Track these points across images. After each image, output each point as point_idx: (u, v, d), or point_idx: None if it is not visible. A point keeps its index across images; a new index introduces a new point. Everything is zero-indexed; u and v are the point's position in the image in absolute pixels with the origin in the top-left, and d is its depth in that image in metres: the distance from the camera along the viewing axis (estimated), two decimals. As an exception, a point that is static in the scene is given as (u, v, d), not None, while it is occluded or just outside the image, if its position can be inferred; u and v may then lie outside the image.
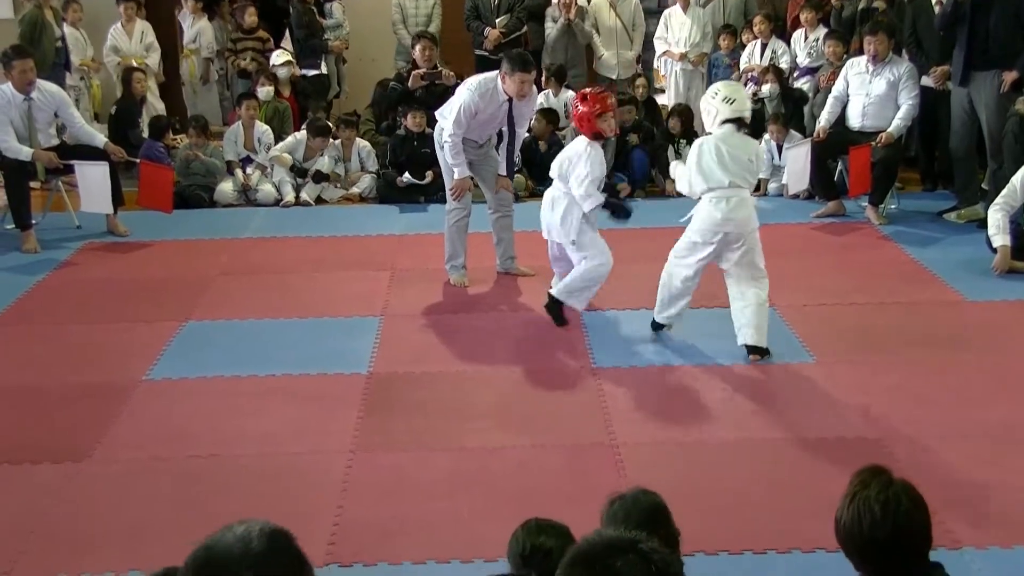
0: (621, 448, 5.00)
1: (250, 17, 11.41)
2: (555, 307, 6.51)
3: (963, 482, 4.64)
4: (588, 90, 6.56)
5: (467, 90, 6.99)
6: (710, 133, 6.02)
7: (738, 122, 5.90)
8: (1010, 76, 8.03)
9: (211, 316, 6.83)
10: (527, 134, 8.98)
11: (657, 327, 6.30)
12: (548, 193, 6.60)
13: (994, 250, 7.28)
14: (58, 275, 7.74)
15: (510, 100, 6.95)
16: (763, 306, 5.93)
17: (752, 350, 5.95)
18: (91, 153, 8.48)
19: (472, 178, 7.21)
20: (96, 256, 8.19)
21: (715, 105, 5.91)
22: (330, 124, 10.03)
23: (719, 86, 6.10)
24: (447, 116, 7.02)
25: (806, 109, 9.86)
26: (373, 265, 7.80)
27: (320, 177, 9.67)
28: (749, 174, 5.97)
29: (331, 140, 9.89)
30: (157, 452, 5.08)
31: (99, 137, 8.68)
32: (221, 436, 5.22)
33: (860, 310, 6.75)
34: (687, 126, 9.80)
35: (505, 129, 7.14)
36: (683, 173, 6.12)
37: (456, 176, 7.12)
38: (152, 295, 7.27)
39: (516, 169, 9.62)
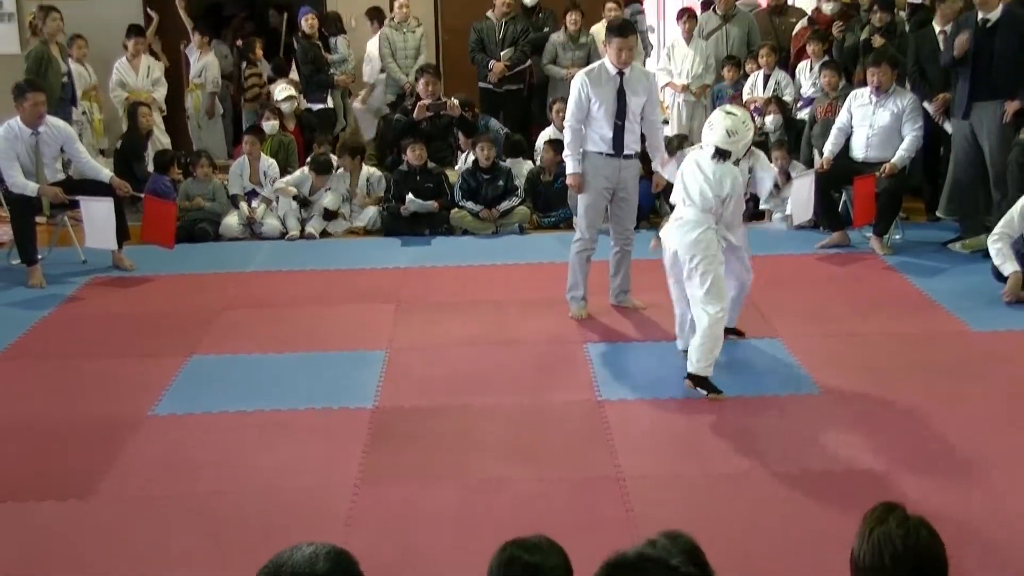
0: (627, 481, 4.98)
1: (254, 53, 11.50)
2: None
3: (973, 515, 4.61)
4: None
5: (576, 77, 7.08)
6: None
7: (725, 155, 5.92)
8: (1012, 106, 8.05)
9: (217, 350, 6.83)
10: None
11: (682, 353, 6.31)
12: None
13: (1000, 279, 7.27)
14: (64, 310, 7.75)
15: (620, 75, 6.92)
16: (707, 334, 5.86)
17: (689, 377, 5.96)
18: (96, 188, 8.51)
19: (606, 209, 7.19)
20: (102, 291, 8.20)
21: (719, 128, 5.92)
22: (332, 159, 10.05)
23: (734, 112, 6.03)
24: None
25: (803, 137, 9.87)
26: (378, 298, 7.81)
27: (329, 215, 9.69)
28: (708, 199, 5.91)
29: (335, 172, 9.92)
30: (163, 488, 5.07)
31: (104, 172, 8.71)
32: (227, 471, 5.21)
33: (866, 341, 6.74)
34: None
35: (629, 110, 6.92)
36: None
37: (568, 170, 7.12)
38: (157, 329, 7.27)
39: (522, 201, 9.70)
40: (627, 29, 6.96)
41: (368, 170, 10.05)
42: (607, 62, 6.97)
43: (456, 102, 10.24)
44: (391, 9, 11.66)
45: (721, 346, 5.96)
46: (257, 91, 11.49)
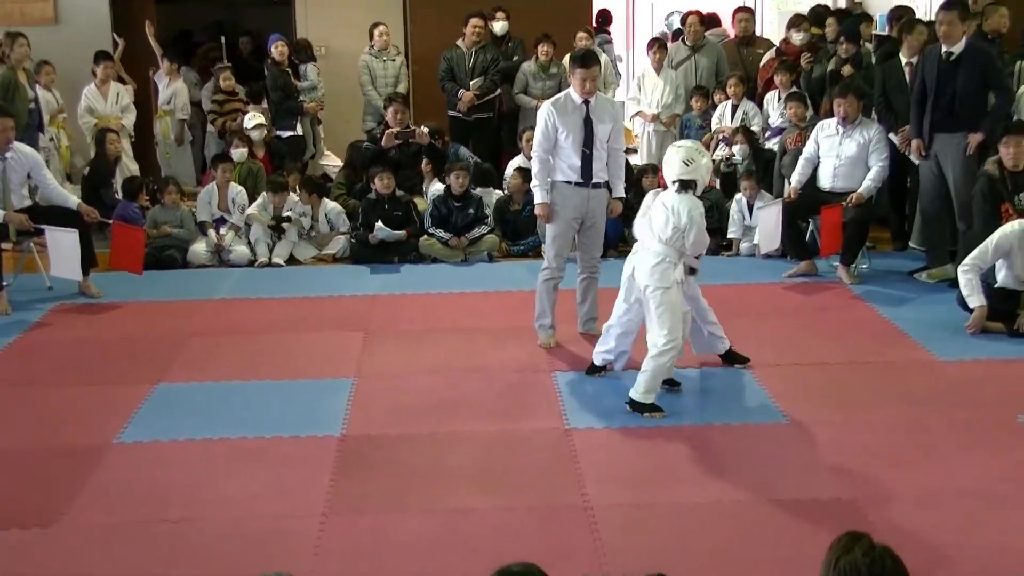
0: (595, 510, 4.97)
1: (225, 81, 11.48)
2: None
3: (938, 543, 4.63)
4: None
5: (542, 108, 7.12)
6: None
7: (688, 185, 5.99)
8: (975, 138, 8.14)
9: (183, 378, 6.79)
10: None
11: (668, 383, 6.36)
12: None
13: (966, 309, 7.34)
14: (29, 337, 7.68)
15: (586, 104, 6.96)
16: (654, 363, 5.96)
17: (630, 403, 6.04)
18: (64, 215, 8.46)
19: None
20: (68, 318, 8.14)
21: (675, 161, 6.01)
22: (285, 180, 10.04)
23: (684, 144, 6.16)
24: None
25: (774, 169, 9.94)
26: (347, 326, 7.79)
27: (281, 222, 9.68)
28: (668, 232, 5.97)
29: (290, 195, 9.89)
30: (128, 516, 5.02)
31: (72, 199, 8.67)
32: (193, 500, 5.17)
33: (832, 370, 6.78)
34: (660, 185, 9.87)
35: (596, 139, 6.96)
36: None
37: (536, 200, 7.15)
38: (124, 357, 7.22)
39: (491, 229, 9.72)
40: (590, 59, 7.01)
41: (328, 204, 10.01)
42: (572, 92, 7.01)
43: (425, 130, 10.27)
44: (371, 37, 11.68)
45: (662, 378, 6.08)
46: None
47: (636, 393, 6.02)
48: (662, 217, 6.00)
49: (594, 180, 7.03)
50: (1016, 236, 7.26)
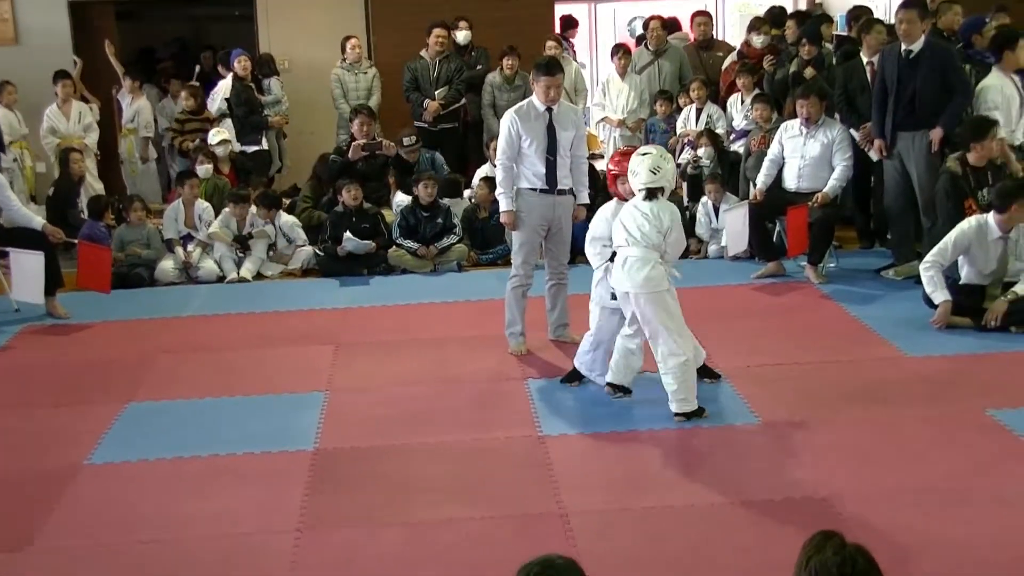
0: (571, 517, 4.97)
1: (186, 101, 11.43)
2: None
3: (910, 540, 4.65)
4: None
5: (505, 116, 7.12)
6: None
7: (654, 192, 6.00)
8: (936, 134, 8.20)
9: (153, 397, 6.75)
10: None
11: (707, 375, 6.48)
12: None
13: (932, 306, 7.39)
14: (-4, 360, 7.64)
15: (549, 111, 6.98)
16: (677, 370, 5.95)
17: (680, 414, 6.02)
18: (29, 236, 8.40)
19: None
20: (35, 339, 8.08)
21: (643, 169, 6.01)
22: (247, 192, 10.01)
23: (649, 151, 6.14)
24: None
25: (740, 171, 9.99)
26: (317, 339, 7.76)
27: (243, 239, 9.69)
28: (649, 235, 5.97)
29: (251, 209, 9.86)
30: (100, 539, 4.98)
31: (36, 219, 8.61)
32: (166, 520, 5.13)
33: (802, 369, 6.81)
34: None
35: (559, 145, 6.98)
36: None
37: (502, 207, 7.14)
38: (93, 377, 7.18)
39: (460, 239, 9.72)
40: (554, 67, 7.02)
41: (284, 217, 9.98)
42: (535, 99, 7.02)
43: (391, 143, 10.27)
44: (343, 51, 11.66)
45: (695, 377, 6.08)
46: (200, 138, 11.37)
47: (676, 405, 5.99)
48: (638, 221, 5.98)
49: (559, 187, 7.04)
50: (974, 232, 7.33)
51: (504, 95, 11.09)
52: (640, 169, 6.03)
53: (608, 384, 6.31)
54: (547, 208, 7.02)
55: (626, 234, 6.04)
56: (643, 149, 6.21)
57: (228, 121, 11.44)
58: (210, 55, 13.93)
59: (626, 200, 6.30)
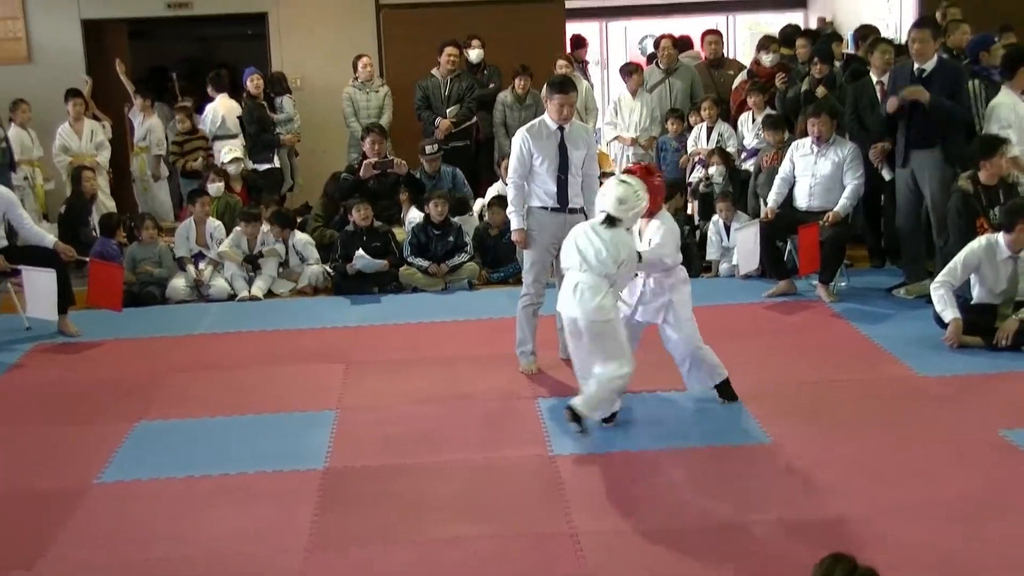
0: (581, 537, 4.96)
1: (182, 124, 11.45)
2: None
3: (924, 560, 4.63)
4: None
5: (517, 134, 7.12)
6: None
7: (613, 221, 5.94)
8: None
9: (164, 415, 6.75)
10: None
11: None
12: None
13: (943, 326, 7.37)
14: (8, 378, 7.64)
15: (561, 130, 6.98)
16: (602, 388, 5.95)
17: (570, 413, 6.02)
18: (41, 254, 8.43)
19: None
20: (46, 357, 8.10)
21: (611, 195, 5.96)
22: (259, 211, 10.03)
23: (628, 181, 6.04)
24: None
25: (749, 188, 9.98)
26: (328, 358, 7.76)
27: (253, 259, 9.70)
28: (605, 264, 5.92)
29: (262, 227, 9.88)
30: (110, 557, 4.98)
31: (48, 237, 8.63)
32: (176, 538, 5.13)
33: (814, 389, 6.79)
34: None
35: (571, 164, 6.98)
36: None
37: (513, 226, 7.15)
38: (103, 396, 7.18)
39: (471, 257, 9.72)
40: (568, 85, 7.03)
41: (297, 235, 10.00)
42: (547, 118, 7.03)
43: (402, 161, 10.29)
44: (355, 69, 11.69)
45: (612, 403, 6.05)
46: (202, 157, 11.40)
47: (580, 401, 6.01)
48: (595, 247, 5.93)
49: (570, 205, 7.04)
50: (983, 251, 7.32)
51: (515, 114, 11.11)
52: (609, 193, 5.97)
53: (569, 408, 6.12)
54: (558, 227, 7.00)
55: (580, 258, 5.98)
56: (624, 178, 6.13)
57: (237, 139, 11.47)
58: (224, 73, 13.99)
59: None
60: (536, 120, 7.20)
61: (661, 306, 6.39)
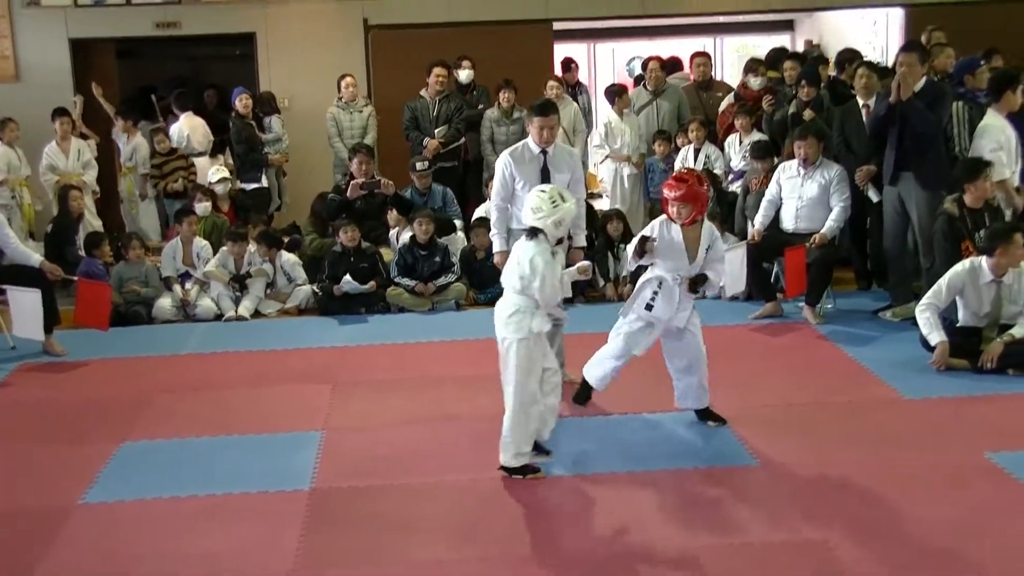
0: (568, 559, 4.95)
1: (160, 144, 11.45)
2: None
3: (909, 583, 4.64)
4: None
5: (500, 157, 7.10)
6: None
7: (535, 232, 5.80)
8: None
9: (149, 435, 6.73)
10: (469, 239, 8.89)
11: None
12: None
13: (929, 348, 7.39)
14: (-8, 397, 7.62)
15: (544, 153, 6.96)
16: (517, 419, 5.81)
17: (503, 469, 5.91)
18: (27, 273, 8.41)
19: None
20: (31, 377, 8.07)
21: (526, 206, 5.88)
22: (246, 231, 10.03)
23: (543, 189, 5.91)
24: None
25: (737, 209, 10.01)
26: (314, 378, 7.75)
27: (240, 280, 9.70)
28: (515, 281, 5.82)
29: (249, 247, 9.88)
30: (94, 578, 4.97)
31: (35, 256, 8.60)
32: (161, 560, 5.10)
33: (801, 411, 6.80)
34: (626, 230, 9.93)
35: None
36: None
37: (495, 248, 7.13)
38: (89, 415, 7.16)
39: (458, 277, 9.72)
40: (548, 108, 7.00)
41: (284, 255, 10.01)
42: (530, 141, 7.01)
43: (389, 182, 10.29)
44: (339, 89, 11.71)
45: (534, 427, 5.89)
46: (183, 178, 11.38)
47: (503, 456, 5.88)
48: (511, 265, 5.87)
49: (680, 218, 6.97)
50: (967, 274, 7.36)
51: (502, 128, 11.14)
52: (526, 203, 5.89)
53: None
54: None
55: (505, 277, 5.93)
56: (542, 187, 6.03)
57: (204, 158, 11.50)
58: (213, 93, 14.01)
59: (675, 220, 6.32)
60: (520, 143, 7.19)
61: (690, 312, 6.41)
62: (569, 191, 6.81)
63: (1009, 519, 5.23)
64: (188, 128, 11.78)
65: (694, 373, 6.48)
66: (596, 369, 6.68)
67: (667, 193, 6.33)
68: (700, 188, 6.29)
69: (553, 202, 5.78)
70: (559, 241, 5.96)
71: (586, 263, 6.25)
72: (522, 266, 5.75)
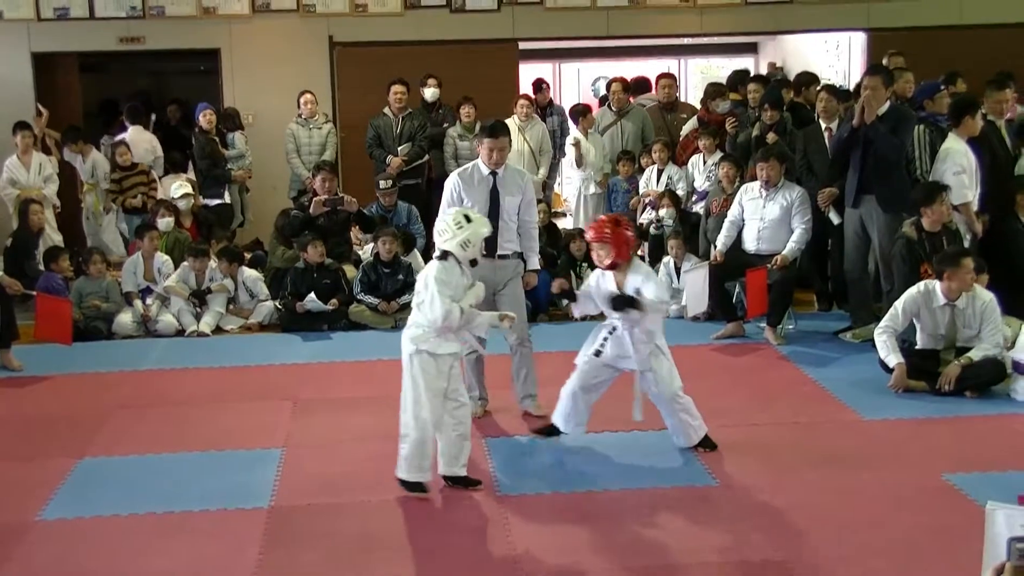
0: (527, 578, 4.96)
1: (122, 157, 11.38)
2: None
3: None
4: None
5: (450, 178, 7.06)
6: None
7: (444, 255, 5.85)
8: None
9: (108, 452, 6.68)
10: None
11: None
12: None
13: (888, 371, 7.45)
14: (-52, 412, 7.53)
15: (494, 175, 6.90)
16: (416, 441, 5.82)
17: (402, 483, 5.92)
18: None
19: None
20: (-12, 392, 7.99)
21: (445, 232, 5.88)
22: (207, 246, 10.00)
23: (450, 214, 5.99)
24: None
25: (700, 230, 10.06)
26: (275, 395, 7.72)
27: (200, 295, 9.67)
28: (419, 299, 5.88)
29: (210, 263, 9.84)
30: (49, 596, 4.92)
31: (-7, 271, 8.55)
32: (117, 577, 5.07)
33: (761, 431, 6.83)
34: (589, 249, 9.95)
35: (503, 210, 6.88)
36: None
37: None
38: (46, 431, 7.09)
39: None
40: (498, 130, 6.94)
41: (246, 271, 9.98)
42: (480, 163, 6.97)
43: (353, 199, 10.26)
44: (298, 105, 11.69)
45: (423, 454, 5.87)
46: (142, 193, 11.31)
47: (403, 470, 5.89)
48: (418, 284, 5.92)
49: (499, 252, 6.90)
50: (921, 297, 7.44)
51: (465, 143, 11.17)
52: (435, 228, 5.99)
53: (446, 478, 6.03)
54: (488, 272, 6.70)
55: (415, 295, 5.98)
56: (447, 211, 6.11)
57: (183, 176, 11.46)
58: (175, 108, 13.95)
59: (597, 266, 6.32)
60: (470, 164, 7.15)
61: (649, 352, 6.35)
62: (521, 212, 6.80)
63: (965, 540, 5.23)
64: (131, 141, 11.73)
65: (668, 416, 6.48)
66: (558, 406, 6.65)
67: (587, 236, 6.39)
68: (618, 231, 6.28)
69: (458, 224, 5.83)
70: (473, 262, 5.97)
71: (511, 314, 6.23)
72: (425, 286, 5.80)
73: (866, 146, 8.34)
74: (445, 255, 5.85)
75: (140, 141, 11.90)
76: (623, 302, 6.20)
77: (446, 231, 5.84)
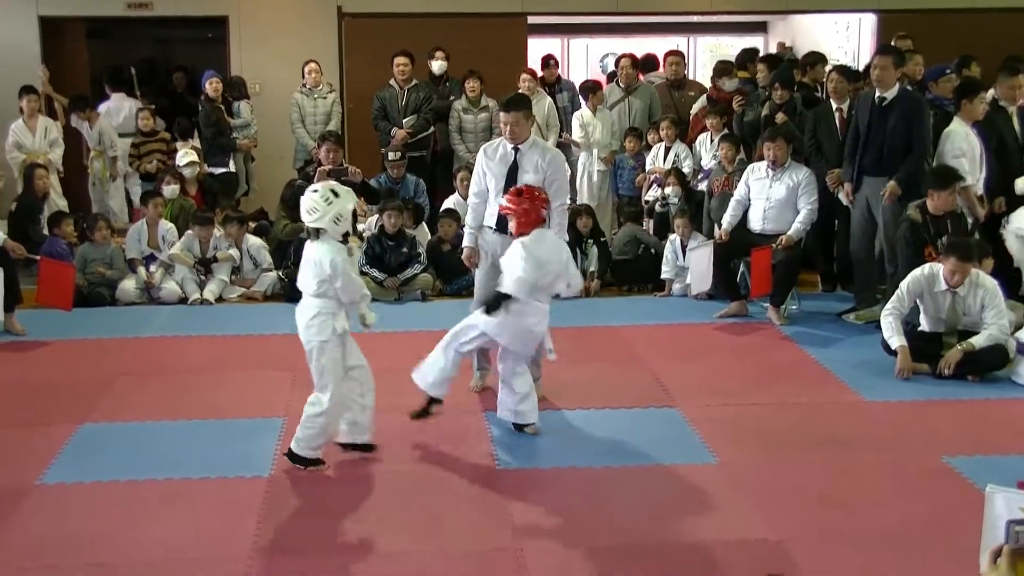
0: (525, 553, 4.95)
1: (144, 121, 11.37)
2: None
3: (863, 584, 4.67)
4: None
5: (479, 152, 7.03)
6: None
7: (318, 232, 5.75)
8: (891, 187, 8.23)
9: (109, 418, 6.69)
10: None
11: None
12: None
13: (891, 353, 7.45)
14: (-49, 375, 7.55)
15: (516, 151, 6.83)
16: (316, 421, 5.79)
17: (289, 455, 5.91)
18: (-10, 251, 8.35)
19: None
20: (-9, 356, 8.00)
21: (301, 208, 5.79)
22: (212, 214, 9.99)
23: (315, 189, 5.81)
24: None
25: (704, 209, 10.05)
26: (277, 365, 7.71)
27: (205, 263, 9.65)
28: (310, 283, 5.78)
29: (215, 231, 9.83)
30: (50, 560, 4.92)
31: (-4, 235, 8.54)
32: (117, 543, 5.07)
33: (762, 410, 6.83)
34: (595, 225, 9.95)
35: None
36: None
37: (464, 243, 7.08)
38: (48, 397, 7.10)
39: (424, 268, 9.70)
40: (510, 104, 6.81)
41: (250, 239, 9.97)
42: (504, 138, 6.93)
43: (357, 169, 10.23)
44: (303, 75, 11.66)
45: (327, 435, 5.88)
46: (157, 159, 11.30)
47: (295, 443, 5.87)
48: (306, 269, 5.80)
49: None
50: (925, 279, 7.42)
51: (470, 116, 11.16)
52: (301, 206, 5.80)
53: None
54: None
55: (300, 280, 5.87)
56: (313, 186, 5.91)
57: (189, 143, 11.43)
58: (181, 75, 13.92)
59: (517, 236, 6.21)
60: (497, 139, 7.12)
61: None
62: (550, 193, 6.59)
63: (964, 522, 5.25)
64: (113, 108, 11.75)
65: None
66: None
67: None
68: (521, 201, 6.19)
69: (327, 200, 5.71)
70: (345, 237, 5.85)
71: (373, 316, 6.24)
72: (321, 268, 5.70)
73: (871, 129, 8.30)
74: (318, 233, 5.74)
75: (120, 108, 11.85)
76: (493, 306, 6.18)
77: (315, 209, 5.68)
